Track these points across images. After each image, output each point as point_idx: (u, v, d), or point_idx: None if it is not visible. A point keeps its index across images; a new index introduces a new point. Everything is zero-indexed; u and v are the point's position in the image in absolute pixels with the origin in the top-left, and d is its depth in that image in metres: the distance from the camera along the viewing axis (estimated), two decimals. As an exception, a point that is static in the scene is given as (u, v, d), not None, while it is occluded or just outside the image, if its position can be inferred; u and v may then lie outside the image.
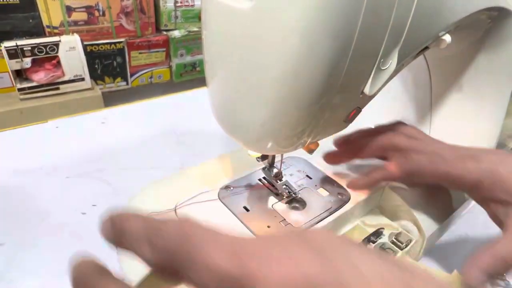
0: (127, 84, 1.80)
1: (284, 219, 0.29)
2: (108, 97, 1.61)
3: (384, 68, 0.22)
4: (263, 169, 0.32)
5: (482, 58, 0.32)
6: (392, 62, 0.22)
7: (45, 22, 1.55)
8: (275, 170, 0.31)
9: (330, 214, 0.29)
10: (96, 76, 1.67)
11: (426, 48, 0.25)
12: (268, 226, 0.28)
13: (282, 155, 0.31)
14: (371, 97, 0.25)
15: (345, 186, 0.32)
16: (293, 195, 0.31)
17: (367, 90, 0.23)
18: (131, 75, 1.79)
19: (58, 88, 1.48)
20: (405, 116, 0.38)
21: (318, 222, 0.28)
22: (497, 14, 0.28)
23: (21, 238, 0.36)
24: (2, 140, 0.52)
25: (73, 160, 0.48)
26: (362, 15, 0.18)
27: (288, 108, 0.21)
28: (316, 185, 0.32)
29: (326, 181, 0.33)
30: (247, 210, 0.29)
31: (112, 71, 1.73)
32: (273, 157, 0.31)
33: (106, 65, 1.71)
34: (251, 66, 0.20)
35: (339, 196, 0.31)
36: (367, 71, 0.22)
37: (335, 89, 0.21)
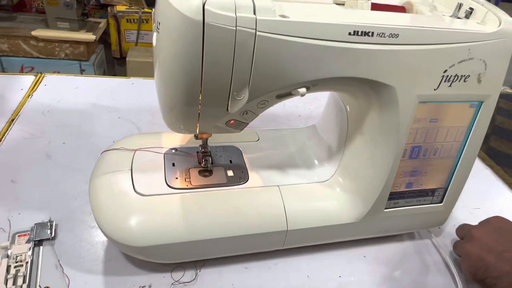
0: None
1: (189, 177, 0.44)
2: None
3: (239, 98, 0.35)
4: (200, 145, 0.47)
5: (375, 113, 0.40)
6: (245, 96, 0.35)
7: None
8: (204, 148, 0.46)
9: (220, 187, 0.43)
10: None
11: (290, 94, 0.36)
12: (176, 178, 0.43)
13: (207, 139, 0.45)
14: (248, 115, 0.38)
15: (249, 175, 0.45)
16: (207, 167, 0.45)
17: (229, 109, 0.36)
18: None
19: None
20: (327, 138, 0.48)
21: (207, 188, 0.43)
22: (370, 82, 0.37)
23: (75, 143, 0.59)
24: (102, 83, 0.77)
25: (128, 108, 0.70)
26: (203, 62, 0.31)
27: (175, 106, 0.36)
28: (229, 167, 0.46)
29: (239, 167, 0.46)
30: (173, 165, 0.45)
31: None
32: (206, 139, 0.46)
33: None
34: (158, 74, 0.36)
35: (238, 180, 0.44)
36: (223, 97, 0.34)
37: (198, 103, 0.34)
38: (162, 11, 0.31)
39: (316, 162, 0.49)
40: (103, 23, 1.82)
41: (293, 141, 0.52)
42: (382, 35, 0.34)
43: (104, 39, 1.91)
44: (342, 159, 0.46)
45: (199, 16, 0.29)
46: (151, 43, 0.37)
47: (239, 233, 0.41)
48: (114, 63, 2.01)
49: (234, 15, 0.30)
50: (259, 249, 0.44)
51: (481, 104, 0.42)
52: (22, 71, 1.69)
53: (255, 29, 0.31)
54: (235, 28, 0.30)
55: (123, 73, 1.93)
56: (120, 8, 1.85)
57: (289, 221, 0.42)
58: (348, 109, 0.44)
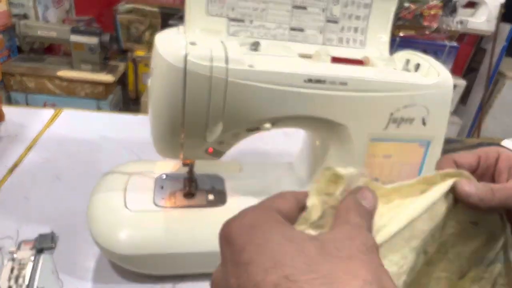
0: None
1: (174, 198, 0.50)
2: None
3: (215, 130, 0.42)
4: (187, 172, 0.54)
5: (334, 149, 0.47)
6: (219, 128, 0.42)
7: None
8: (190, 174, 0.53)
9: (198, 207, 0.49)
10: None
11: (258, 128, 0.44)
12: (163, 198, 0.50)
13: (192, 166, 0.52)
14: (224, 144, 0.45)
15: (230, 200, 0.51)
16: (191, 191, 0.52)
17: (206, 139, 0.43)
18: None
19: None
20: (299, 171, 0.54)
21: (189, 208, 0.49)
22: (325, 121, 0.44)
23: (82, 168, 0.67)
24: (113, 119, 0.87)
25: (133, 141, 0.78)
26: (185, 100, 0.39)
27: (163, 135, 0.43)
28: (211, 192, 0.53)
29: (220, 192, 0.53)
30: (162, 187, 0.52)
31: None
32: (192, 165, 0.52)
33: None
34: (150, 109, 0.44)
35: (217, 203, 0.51)
36: (201, 128, 0.42)
37: (180, 133, 0.42)
38: (155, 59, 0.40)
39: (289, 191, 0.55)
40: (122, 66, 1.98)
41: (272, 174, 0.59)
42: (333, 83, 0.42)
43: (122, 80, 2.06)
44: (310, 189, 0.52)
45: (182, 64, 0.38)
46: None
47: (213, 249, 0.46)
48: (130, 103, 2.15)
49: (210, 64, 0.38)
50: (232, 266, 0.49)
51: (429, 144, 0.48)
52: (44, 107, 1.84)
53: (226, 76, 0.39)
54: (210, 75, 0.38)
55: (137, 113, 2.06)
56: (139, 53, 2.02)
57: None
58: (318, 144, 0.51)
